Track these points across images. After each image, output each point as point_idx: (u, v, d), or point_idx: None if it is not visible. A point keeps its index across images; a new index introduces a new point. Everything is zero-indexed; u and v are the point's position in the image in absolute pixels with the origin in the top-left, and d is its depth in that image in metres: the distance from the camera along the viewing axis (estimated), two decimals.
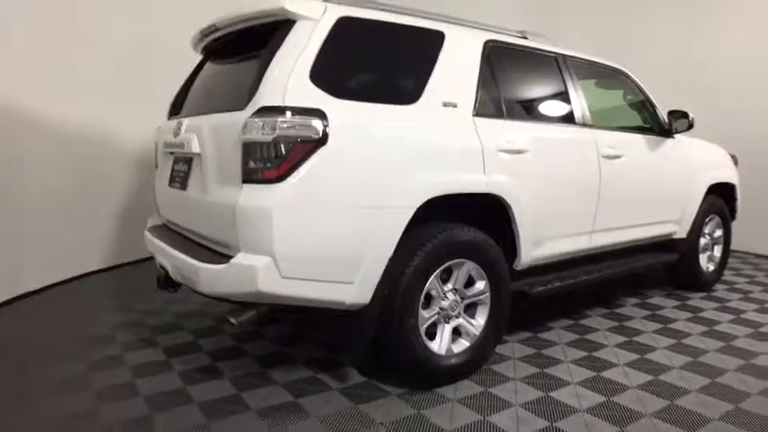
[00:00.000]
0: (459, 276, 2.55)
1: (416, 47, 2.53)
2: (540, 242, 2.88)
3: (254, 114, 2.06)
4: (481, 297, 2.64)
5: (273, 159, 2.02)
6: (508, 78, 2.86)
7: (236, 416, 2.21)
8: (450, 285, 2.54)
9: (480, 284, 2.62)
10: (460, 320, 2.60)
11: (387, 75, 2.43)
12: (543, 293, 2.91)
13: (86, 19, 4.17)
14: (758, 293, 4.19)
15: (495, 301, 2.66)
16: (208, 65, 2.94)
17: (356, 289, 2.20)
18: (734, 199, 4.38)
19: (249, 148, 2.05)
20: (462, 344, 2.59)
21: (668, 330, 3.32)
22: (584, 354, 2.91)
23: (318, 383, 2.51)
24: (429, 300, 2.47)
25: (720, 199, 4.25)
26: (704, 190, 3.97)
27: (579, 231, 3.13)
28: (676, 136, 3.87)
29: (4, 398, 2.36)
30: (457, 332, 2.61)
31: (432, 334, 2.51)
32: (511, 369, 2.71)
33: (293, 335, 3.11)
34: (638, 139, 3.54)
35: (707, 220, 4.14)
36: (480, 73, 2.69)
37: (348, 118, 2.17)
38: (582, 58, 3.40)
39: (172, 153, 2.78)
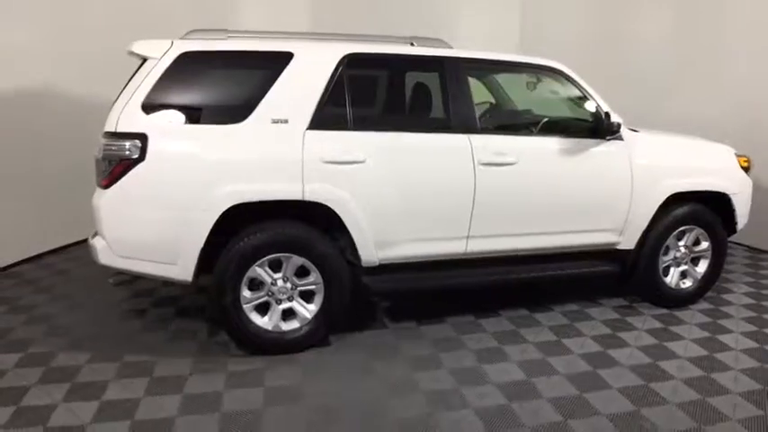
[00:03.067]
0: (289, 267, 3.01)
1: (257, 70, 2.96)
2: (388, 244, 3.12)
3: (101, 136, 2.80)
4: (313, 287, 3.07)
5: (103, 172, 2.75)
6: (365, 90, 3.08)
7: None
8: (280, 274, 3.02)
9: (312, 276, 3.04)
10: (293, 304, 3.07)
11: (220, 98, 2.93)
12: (386, 290, 3.18)
13: None
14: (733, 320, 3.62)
15: (328, 291, 3.06)
16: None
17: (179, 268, 2.85)
18: (731, 210, 3.73)
19: (96, 163, 2.82)
20: (293, 324, 3.08)
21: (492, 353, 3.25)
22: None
23: None
24: (260, 284, 3.00)
25: (707, 208, 3.68)
26: (660, 198, 3.53)
27: (449, 236, 3.23)
28: (631, 137, 3.50)
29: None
30: (293, 313, 3.10)
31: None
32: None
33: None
34: (550, 143, 3.34)
35: (680, 231, 3.67)
36: (327, 87, 2.99)
37: (168, 139, 2.77)
38: (489, 60, 3.33)
39: None
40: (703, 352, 3.18)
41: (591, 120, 3.44)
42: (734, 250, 5.20)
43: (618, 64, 5.83)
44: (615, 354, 3.14)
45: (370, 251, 3.10)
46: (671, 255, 3.74)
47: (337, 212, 2.95)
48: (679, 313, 3.72)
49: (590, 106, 3.47)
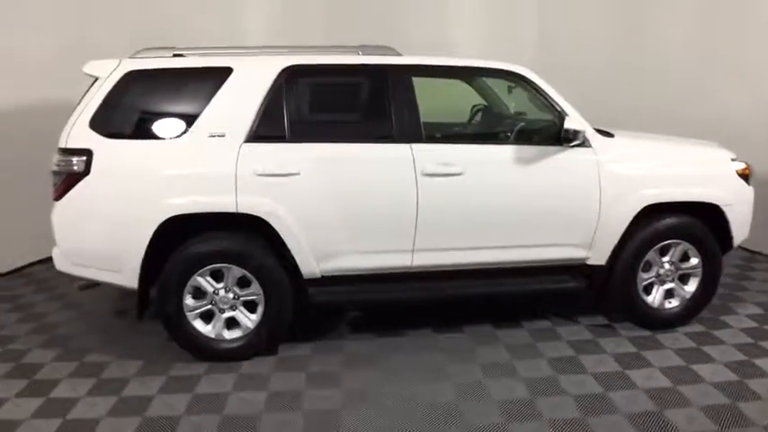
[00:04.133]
0: (230, 278, 3.08)
1: (198, 85, 3.04)
2: (329, 256, 3.11)
3: (55, 152, 3.02)
4: (255, 298, 3.12)
5: (55, 186, 2.96)
6: (304, 101, 3.09)
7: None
8: (221, 284, 3.10)
9: (253, 287, 3.10)
10: (236, 313, 3.14)
11: (163, 114, 3.03)
12: (330, 302, 3.17)
13: None
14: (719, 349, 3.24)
15: (268, 302, 3.10)
16: None
17: (124, 277, 3.01)
18: (725, 223, 3.33)
19: (52, 177, 3.03)
20: (235, 333, 3.15)
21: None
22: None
23: None
24: (203, 293, 3.09)
25: (698, 221, 3.33)
26: (633, 210, 3.23)
27: (393, 249, 3.16)
28: (602, 143, 3.24)
29: None
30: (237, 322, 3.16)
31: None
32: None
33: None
34: (502, 151, 3.16)
35: (663, 245, 3.35)
36: (265, 101, 3.02)
37: (111, 154, 2.92)
38: (443, 66, 3.21)
39: None
40: (667, 383, 2.89)
41: (547, 127, 3.22)
42: (759, 262, 4.68)
43: (639, 63, 5.40)
44: (563, 380, 2.93)
45: (310, 263, 3.10)
46: (653, 271, 3.42)
47: (272, 224, 2.99)
48: (662, 336, 3.40)
49: (553, 113, 3.25)
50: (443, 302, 3.76)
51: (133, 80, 3.01)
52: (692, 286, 3.46)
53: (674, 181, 3.29)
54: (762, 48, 4.73)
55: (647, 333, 3.44)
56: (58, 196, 2.95)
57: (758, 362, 3.07)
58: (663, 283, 3.45)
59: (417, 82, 3.29)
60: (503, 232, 3.21)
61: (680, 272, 3.45)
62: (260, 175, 2.96)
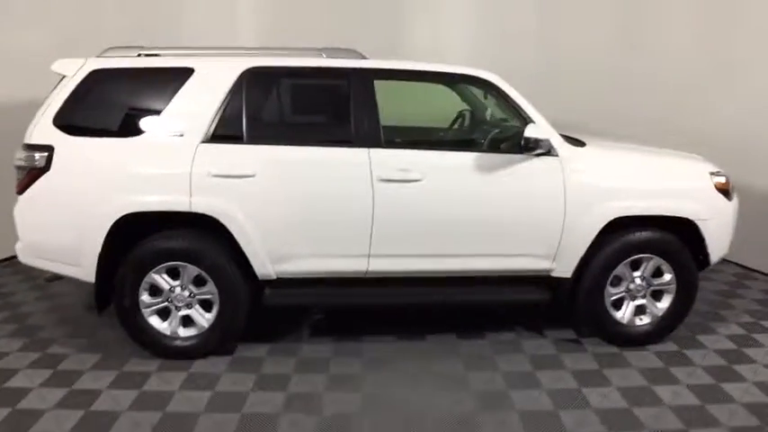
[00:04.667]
0: (186, 276, 3.10)
1: (160, 85, 3.05)
2: (284, 258, 3.09)
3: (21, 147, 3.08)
4: (210, 297, 3.12)
5: (19, 180, 3.02)
6: (261, 103, 3.08)
7: None
8: (177, 282, 3.11)
9: (209, 286, 3.11)
10: (191, 311, 3.16)
11: (125, 113, 3.06)
12: (280, 303, 3.16)
13: None
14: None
15: (224, 301, 3.10)
16: None
17: (83, 270, 3.04)
18: (700, 239, 3.18)
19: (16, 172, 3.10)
20: (190, 331, 3.16)
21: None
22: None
23: None
24: (160, 290, 3.11)
25: (672, 236, 3.19)
26: (600, 223, 3.11)
27: (348, 253, 3.12)
28: (569, 152, 3.14)
29: None
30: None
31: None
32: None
33: None
34: (463, 158, 3.08)
35: (634, 260, 3.22)
36: (224, 102, 3.03)
37: (71, 151, 2.96)
38: (404, 71, 3.17)
39: None
40: (622, 404, 2.77)
41: (512, 134, 3.13)
42: (754, 279, 4.46)
43: (644, 71, 5.22)
44: (515, 395, 2.85)
45: (264, 264, 3.09)
46: (623, 286, 3.29)
47: (225, 224, 3.00)
48: (630, 354, 3.27)
49: (519, 120, 3.15)
50: (401, 309, 3.71)
51: (97, 79, 3.05)
52: (664, 303, 3.32)
53: (645, 194, 3.15)
54: (762, 54, 4.50)
55: (614, 350, 3.31)
56: (21, 190, 3.01)
57: (726, 386, 2.92)
58: (634, 298, 3.32)
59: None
60: (461, 241, 3.14)
61: (652, 288, 3.31)
62: (214, 175, 2.97)
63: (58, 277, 3.35)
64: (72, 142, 2.99)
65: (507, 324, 3.62)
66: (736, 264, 4.78)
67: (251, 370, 3.09)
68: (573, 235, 3.14)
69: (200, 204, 2.96)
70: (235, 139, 3.04)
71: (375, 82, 3.10)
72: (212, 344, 3.17)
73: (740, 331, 3.57)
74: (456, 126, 4.15)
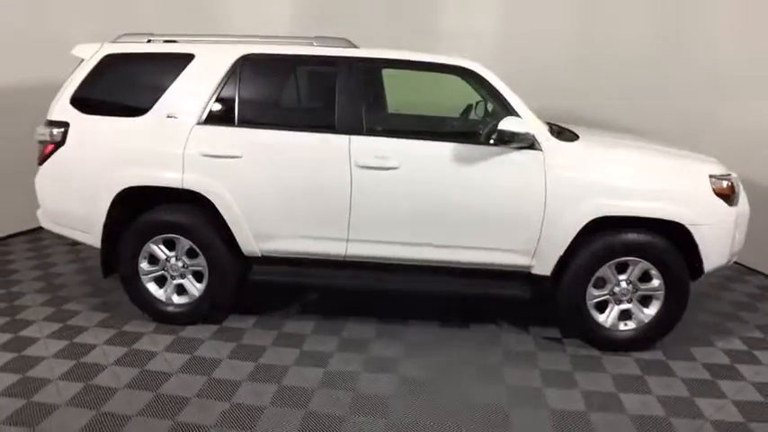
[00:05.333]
0: (180, 248, 3.33)
1: (163, 69, 3.29)
2: (269, 237, 3.26)
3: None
4: (201, 268, 3.35)
5: (39, 153, 3.37)
6: (254, 89, 3.24)
7: None
8: (173, 253, 3.36)
9: (201, 258, 3.33)
10: (184, 281, 3.40)
11: (132, 94, 3.32)
12: (265, 280, 3.32)
13: None
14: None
15: (212, 273, 3.32)
16: None
17: (92, 237, 3.37)
18: (694, 245, 3.00)
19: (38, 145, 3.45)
20: (183, 299, 3.41)
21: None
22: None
23: None
24: (157, 259, 3.38)
25: (662, 240, 3.04)
26: (581, 221, 3.02)
27: (328, 236, 3.23)
28: (554, 146, 3.07)
29: None
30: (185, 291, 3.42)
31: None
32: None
33: None
34: (442, 149, 3.08)
35: (621, 262, 3.10)
36: (219, 86, 3.22)
37: (84, 128, 3.27)
38: (389, 59, 3.24)
39: None
40: (580, 407, 2.71)
41: (487, 126, 3.09)
42: None
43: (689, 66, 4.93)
44: (475, 393, 2.85)
45: (249, 242, 3.27)
46: (607, 289, 3.18)
47: (213, 202, 3.19)
48: (609, 359, 3.17)
49: (504, 112, 3.10)
50: (382, 294, 3.76)
51: (110, 62, 3.34)
52: (652, 310, 3.18)
53: (631, 193, 3.01)
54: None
55: (595, 353, 3.22)
56: (41, 162, 3.37)
57: (700, 401, 2.78)
58: (619, 302, 3.20)
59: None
60: (437, 231, 3.16)
61: (639, 293, 3.18)
62: (205, 155, 3.17)
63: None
64: (85, 120, 3.30)
65: (483, 317, 3.61)
66: (765, 275, 4.44)
67: (233, 339, 3.30)
68: (552, 232, 3.07)
69: (190, 182, 3.18)
70: (227, 121, 3.22)
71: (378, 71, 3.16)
72: (202, 312, 3.41)
73: (741, 347, 3.34)
74: (444, 115, 4.13)
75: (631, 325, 3.21)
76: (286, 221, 3.23)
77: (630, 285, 3.16)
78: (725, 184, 3.06)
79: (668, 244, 3.07)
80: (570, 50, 5.55)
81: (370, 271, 3.35)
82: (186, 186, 3.19)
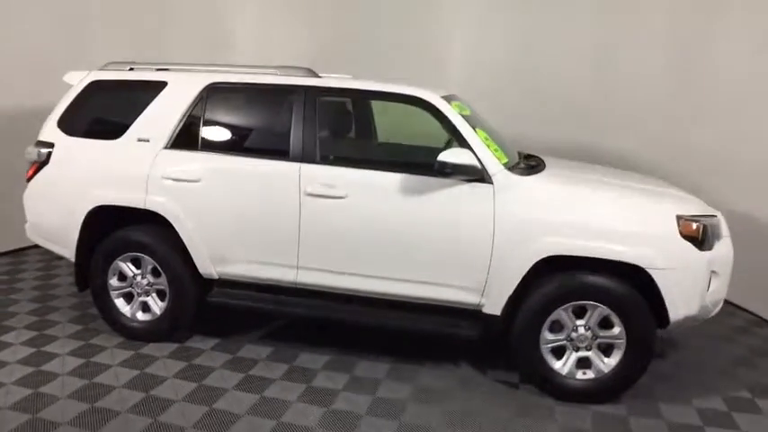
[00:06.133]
0: (144, 268, 3.46)
1: (139, 95, 3.47)
2: (222, 260, 3.33)
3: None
4: (163, 287, 3.45)
5: (28, 171, 3.62)
6: (218, 115, 3.35)
7: None
8: (139, 271, 3.49)
9: (163, 277, 3.43)
10: (148, 299, 3.51)
11: (109, 118, 3.52)
12: (219, 303, 3.37)
13: None
14: None
15: (172, 292, 3.42)
16: None
17: (69, 251, 3.56)
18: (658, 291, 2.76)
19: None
20: (146, 316, 3.51)
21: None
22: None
23: None
24: (125, 277, 3.52)
25: (623, 284, 2.82)
26: (529, 260, 2.85)
27: (279, 263, 3.25)
28: (506, 180, 2.95)
29: None
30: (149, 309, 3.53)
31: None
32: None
33: None
34: (389, 179, 3.04)
35: (579, 306, 2.90)
36: (186, 113, 3.36)
37: (66, 149, 3.50)
38: (346, 89, 3.28)
39: None
40: None
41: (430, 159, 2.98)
42: None
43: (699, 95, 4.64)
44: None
45: (206, 264, 3.35)
46: (564, 333, 2.97)
47: (171, 223, 3.30)
48: (564, 409, 2.94)
49: (459, 144, 3.02)
50: (331, 324, 3.68)
51: (94, 89, 3.57)
52: (614, 359, 2.93)
53: (585, 233, 2.82)
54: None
55: (549, 402, 2.99)
56: (28, 179, 3.63)
57: None
58: (576, 349, 2.98)
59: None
60: (384, 263, 3.10)
61: (599, 340, 2.95)
62: (167, 178, 3.30)
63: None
64: (67, 141, 3.53)
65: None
66: None
67: (184, 359, 3.35)
68: (502, 270, 2.93)
69: (152, 203, 3.32)
70: (191, 146, 3.35)
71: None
72: (163, 330, 3.50)
73: (721, 407, 3.00)
74: (407, 144, 4.06)
75: (590, 374, 2.98)
76: (240, 246, 3.28)
77: (589, 332, 2.95)
78: (694, 226, 2.80)
79: (629, 289, 2.84)
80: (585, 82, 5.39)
81: (327, 300, 3.33)
82: (148, 207, 3.33)
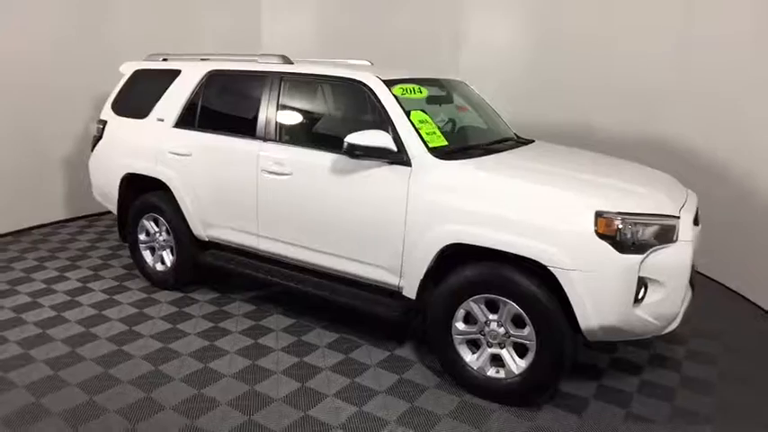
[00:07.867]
0: (161, 227, 4.13)
1: (163, 81, 4.09)
2: (210, 225, 3.83)
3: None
4: (172, 244, 4.08)
5: (91, 143, 4.52)
6: (212, 98, 3.83)
7: None
8: (158, 228, 4.17)
9: (171, 237, 4.07)
10: (163, 253, 4.17)
11: (142, 101, 4.19)
12: (209, 263, 3.86)
13: None
14: None
15: (176, 248, 4.04)
16: None
17: (114, 210, 4.41)
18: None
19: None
20: (163, 267, 4.19)
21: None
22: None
23: None
24: (149, 233, 4.24)
25: (533, 281, 2.61)
26: (436, 246, 2.78)
27: (246, 230, 3.63)
28: (426, 163, 2.91)
29: None
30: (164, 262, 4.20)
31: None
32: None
33: None
34: (323, 158, 3.19)
35: (491, 300, 2.75)
36: (191, 96, 3.89)
37: (114, 125, 4.30)
38: (299, 74, 3.51)
39: None
40: None
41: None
42: None
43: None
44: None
45: (197, 227, 3.89)
46: (476, 327, 2.82)
47: (171, 190, 3.89)
48: (478, 403, 2.80)
49: (389, 126, 3.02)
50: (288, 291, 3.87)
51: (137, 76, 4.32)
52: (526, 360, 2.72)
53: (490, 222, 2.63)
54: None
55: (478, 401, 2.86)
56: (92, 149, 4.55)
57: None
58: (489, 345, 2.82)
59: None
60: (321, 238, 3.28)
61: (512, 338, 2.75)
62: (169, 152, 3.89)
63: None
64: (115, 120, 4.35)
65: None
66: None
67: (184, 304, 3.96)
68: (414, 253, 2.90)
69: (159, 172, 3.95)
70: (190, 125, 3.89)
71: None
72: (172, 279, 4.15)
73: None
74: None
75: (502, 373, 2.80)
76: (218, 213, 3.74)
77: (502, 328, 2.77)
78: (614, 224, 2.44)
79: (540, 288, 2.60)
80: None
81: (289, 268, 3.61)
82: (157, 176, 3.97)
